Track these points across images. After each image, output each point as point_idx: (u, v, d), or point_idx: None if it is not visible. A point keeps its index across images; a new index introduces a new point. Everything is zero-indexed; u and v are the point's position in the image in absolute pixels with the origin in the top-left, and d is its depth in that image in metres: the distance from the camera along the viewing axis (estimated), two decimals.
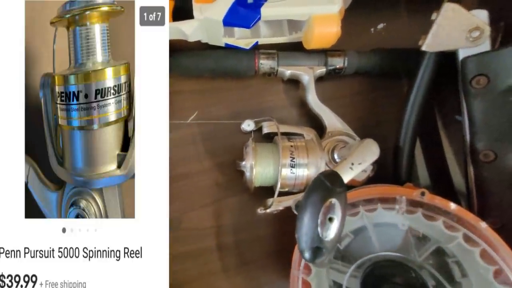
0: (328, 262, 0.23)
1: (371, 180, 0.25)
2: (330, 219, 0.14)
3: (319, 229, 0.13)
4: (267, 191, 0.26)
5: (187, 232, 0.29)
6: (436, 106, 0.28)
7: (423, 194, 0.19)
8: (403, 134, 0.25)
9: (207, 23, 0.24)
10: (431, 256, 0.20)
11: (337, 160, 0.25)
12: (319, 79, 0.28)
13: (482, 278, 0.18)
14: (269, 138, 0.28)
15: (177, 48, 0.27)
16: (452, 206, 0.19)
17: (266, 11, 0.23)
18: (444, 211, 0.19)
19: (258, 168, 0.25)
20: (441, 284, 0.20)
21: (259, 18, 0.24)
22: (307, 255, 0.14)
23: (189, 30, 0.24)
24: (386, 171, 0.26)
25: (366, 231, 0.22)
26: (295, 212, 0.20)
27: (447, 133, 0.27)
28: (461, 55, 0.22)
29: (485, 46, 0.21)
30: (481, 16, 0.21)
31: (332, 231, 0.14)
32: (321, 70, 0.28)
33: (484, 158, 0.22)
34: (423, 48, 0.23)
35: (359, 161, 0.20)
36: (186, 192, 0.29)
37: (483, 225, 0.18)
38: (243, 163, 0.25)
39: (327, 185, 0.14)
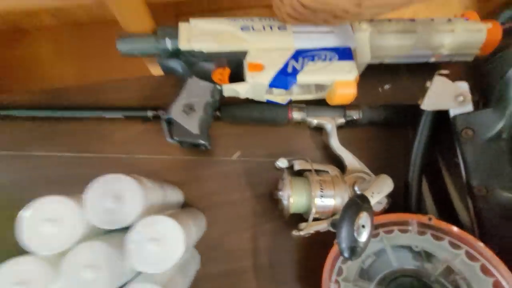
0: (353, 281, 0.27)
1: (386, 212, 0.30)
2: (363, 226, 0.19)
3: (355, 233, 0.19)
4: (297, 219, 0.31)
5: (228, 253, 0.33)
6: (438, 151, 0.35)
7: (430, 219, 0.25)
8: (411, 173, 0.31)
9: (256, 85, 0.32)
10: (442, 274, 0.24)
11: (358, 192, 0.31)
12: (339, 128, 0.36)
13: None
14: (299, 174, 0.34)
15: (229, 101, 0.35)
16: (455, 228, 0.24)
17: (301, 78, 0.31)
18: (448, 233, 0.24)
19: (294, 197, 0.30)
20: None
21: (295, 83, 0.32)
22: (346, 253, 0.19)
23: (242, 90, 0.33)
24: (398, 205, 0.31)
25: (385, 253, 0.27)
26: (332, 230, 0.25)
27: (449, 172, 0.33)
28: (452, 113, 0.29)
29: (469, 107, 0.28)
30: (463, 86, 0.28)
31: (364, 235, 0.19)
32: (341, 120, 0.35)
33: (478, 192, 0.27)
34: (422, 107, 0.30)
35: (378, 191, 0.25)
36: (228, 217, 0.34)
37: (481, 244, 0.23)
38: (281, 193, 0.31)
39: (359, 203, 0.20)
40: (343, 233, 0.19)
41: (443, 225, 0.24)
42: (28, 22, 0.75)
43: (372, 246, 0.27)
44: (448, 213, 0.30)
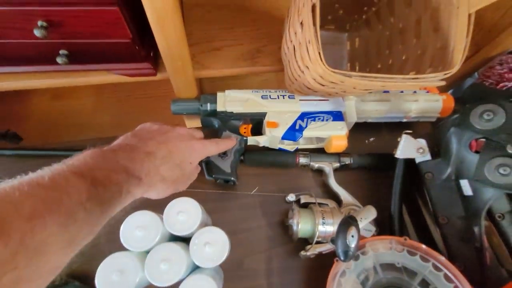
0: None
1: None
2: (353, 236, 0.28)
3: (347, 241, 0.27)
4: (304, 243, 0.39)
5: (247, 271, 0.40)
6: (415, 190, 0.44)
7: (405, 239, 0.33)
8: (393, 206, 0.40)
9: (272, 138, 0.43)
10: (419, 284, 0.32)
11: None
12: (335, 170, 0.46)
13: None
14: (305, 206, 0.43)
15: (250, 149, 0.45)
16: (423, 246, 0.32)
17: (306, 133, 0.43)
18: (419, 249, 0.32)
19: (302, 224, 0.39)
20: None
21: (302, 136, 0.43)
22: (342, 256, 0.27)
23: (261, 141, 0.44)
24: (385, 233, 0.39)
25: (376, 270, 0.34)
26: (331, 245, 0.34)
27: (424, 205, 0.42)
28: (417, 160, 0.39)
29: (428, 156, 0.38)
30: (422, 142, 0.39)
31: (354, 243, 0.27)
32: (336, 164, 0.45)
33: (442, 221, 0.36)
34: (396, 156, 0.40)
35: (365, 217, 0.34)
36: (247, 242, 0.42)
37: (443, 258, 0.31)
38: (291, 220, 0.40)
39: (350, 221, 0.29)
40: (339, 242, 0.27)
41: (415, 243, 0.32)
42: None
43: (364, 264, 0.34)
44: (427, 237, 0.38)
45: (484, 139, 0.32)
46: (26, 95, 0.87)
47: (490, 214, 0.37)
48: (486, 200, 0.32)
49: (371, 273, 0.34)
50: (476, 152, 0.32)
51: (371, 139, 0.51)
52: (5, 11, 0.31)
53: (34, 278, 0.16)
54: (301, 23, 0.28)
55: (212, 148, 0.35)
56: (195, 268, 0.28)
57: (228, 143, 0.40)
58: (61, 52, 0.36)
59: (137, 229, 0.27)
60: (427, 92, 0.50)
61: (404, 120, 0.49)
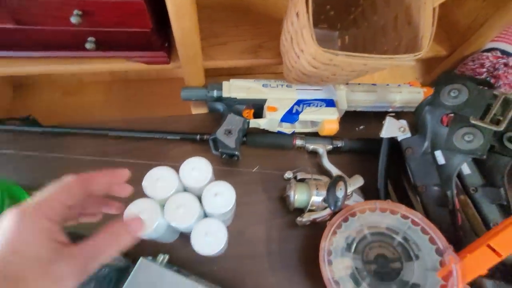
0: (340, 253, 0.38)
1: None
2: (341, 189, 0.32)
3: (336, 193, 0.32)
4: (299, 213, 0.44)
5: (248, 239, 0.44)
6: (401, 169, 0.49)
7: (388, 202, 0.38)
8: (379, 180, 0.45)
9: (271, 121, 0.49)
10: (400, 243, 0.36)
11: None
12: (328, 152, 0.51)
13: (425, 246, 0.34)
14: (301, 181, 0.48)
15: (251, 131, 0.50)
16: (403, 206, 0.37)
17: (302, 117, 0.48)
18: (400, 208, 0.37)
19: (298, 195, 0.43)
20: (409, 256, 0.35)
21: (298, 119, 0.48)
22: (332, 206, 0.32)
23: (262, 123, 0.49)
24: None
25: (363, 233, 0.38)
26: (325, 203, 0.38)
27: (406, 180, 0.46)
28: (399, 138, 0.44)
29: (408, 134, 0.44)
30: (403, 122, 0.45)
31: (341, 194, 0.32)
32: (329, 146, 0.51)
33: (421, 190, 0.41)
34: (381, 135, 0.46)
35: (353, 183, 0.39)
36: (249, 213, 0.46)
37: (420, 214, 0.36)
38: (288, 192, 0.44)
39: (338, 178, 0.34)
40: (330, 195, 0.32)
41: (397, 204, 0.37)
42: (88, 77, 0.96)
43: (353, 225, 0.39)
44: (409, 207, 0.42)
45: (452, 114, 0.37)
46: (39, 90, 0.92)
47: (465, 189, 0.42)
48: (456, 166, 0.37)
49: (359, 233, 0.38)
50: (447, 126, 0.38)
51: (361, 127, 0.56)
52: (46, 1, 0.36)
53: None
54: (297, 13, 0.34)
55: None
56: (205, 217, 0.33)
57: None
58: (89, 39, 0.42)
59: (157, 181, 0.31)
60: (410, 85, 0.56)
61: (390, 109, 0.55)
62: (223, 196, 0.32)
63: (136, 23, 0.40)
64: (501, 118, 0.35)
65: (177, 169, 0.34)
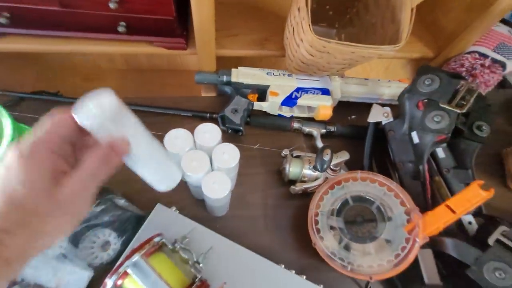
0: (326, 216, 0.44)
1: None
2: (327, 154, 0.39)
3: (323, 158, 0.38)
4: (293, 183, 0.50)
5: (248, 204, 0.51)
6: (386, 151, 0.55)
7: (369, 172, 0.44)
8: (365, 159, 0.51)
9: (273, 104, 0.55)
10: (377, 206, 0.43)
11: None
12: (321, 135, 0.57)
13: (397, 208, 0.41)
14: (296, 157, 0.54)
15: (255, 113, 0.57)
16: (380, 176, 0.43)
17: (300, 102, 0.55)
18: (377, 177, 0.43)
19: (292, 167, 0.50)
20: (383, 218, 0.41)
21: (296, 104, 0.55)
22: (319, 167, 0.38)
23: (265, 106, 0.56)
24: None
25: (347, 200, 0.45)
26: (313, 171, 0.45)
27: (388, 159, 0.53)
28: (383, 122, 0.51)
29: (391, 119, 0.50)
30: (387, 109, 0.51)
31: (327, 158, 0.38)
32: (323, 130, 0.57)
33: (399, 166, 0.47)
34: (368, 120, 0.52)
35: (340, 156, 0.45)
36: (249, 182, 0.52)
37: (395, 183, 0.42)
38: (284, 165, 0.51)
39: (326, 147, 0.40)
40: (318, 159, 0.38)
41: (375, 174, 0.44)
42: (106, 64, 1.03)
43: (338, 193, 0.45)
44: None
45: (426, 100, 0.44)
46: (61, 74, 0.99)
47: (440, 170, 0.49)
48: (427, 143, 0.43)
49: (343, 199, 0.45)
50: (422, 110, 0.44)
51: (353, 116, 0.63)
52: None
53: None
54: (298, 8, 0.41)
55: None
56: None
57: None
58: (121, 23, 0.49)
59: (176, 139, 0.38)
60: (399, 81, 0.63)
61: (379, 101, 0.61)
62: (229, 155, 0.38)
63: (162, 11, 0.48)
64: (464, 103, 0.42)
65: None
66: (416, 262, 0.40)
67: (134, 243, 0.38)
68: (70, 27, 0.49)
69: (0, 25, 0.46)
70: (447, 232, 0.41)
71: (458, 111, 0.41)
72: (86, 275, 0.36)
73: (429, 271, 0.41)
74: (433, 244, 0.42)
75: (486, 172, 0.59)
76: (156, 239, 0.33)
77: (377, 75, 0.88)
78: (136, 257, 0.30)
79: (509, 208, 0.54)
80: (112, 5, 0.44)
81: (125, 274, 0.29)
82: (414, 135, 0.45)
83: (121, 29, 0.49)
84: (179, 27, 0.52)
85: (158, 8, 0.47)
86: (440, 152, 0.49)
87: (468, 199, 0.36)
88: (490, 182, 0.58)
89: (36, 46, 0.51)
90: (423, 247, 0.40)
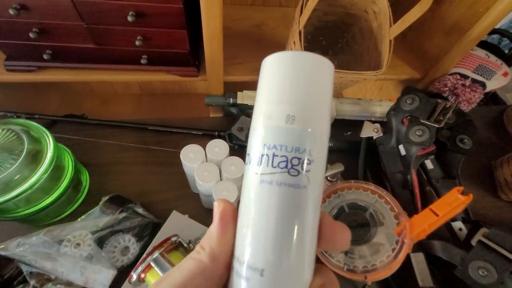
0: None
1: None
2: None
3: None
4: None
5: None
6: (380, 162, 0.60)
7: (362, 181, 0.49)
8: (360, 171, 0.56)
9: None
10: (371, 213, 0.47)
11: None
12: None
13: (387, 213, 0.45)
14: None
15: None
16: (372, 185, 0.48)
17: None
18: (369, 186, 0.48)
19: None
20: (376, 223, 0.46)
21: None
22: None
23: None
24: None
25: (343, 208, 0.49)
26: None
27: (381, 168, 0.58)
28: (374, 137, 0.56)
29: (381, 134, 0.56)
30: (377, 125, 0.57)
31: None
32: None
33: (390, 176, 0.52)
34: (360, 135, 0.58)
35: (335, 168, 0.50)
36: None
37: (385, 191, 0.47)
38: None
39: None
40: None
41: (368, 183, 0.48)
42: (122, 89, 1.13)
43: (335, 202, 0.50)
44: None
45: (409, 117, 0.50)
46: (82, 98, 1.09)
47: (429, 181, 0.54)
48: (412, 154, 0.48)
49: (340, 208, 0.49)
50: (406, 125, 0.50)
51: (348, 133, 0.69)
52: (121, 29, 0.52)
53: None
54: (294, 42, 0.48)
55: None
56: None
57: None
58: (143, 56, 0.57)
59: (190, 153, 0.44)
60: (390, 100, 0.70)
61: (372, 119, 0.67)
62: (236, 166, 0.44)
63: (179, 46, 0.56)
64: (441, 118, 0.47)
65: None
66: (410, 266, 0.44)
67: (152, 245, 0.43)
68: (100, 60, 0.58)
69: (43, 60, 0.55)
70: (441, 238, 0.45)
71: (437, 125, 0.47)
72: (111, 273, 0.41)
73: (422, 274, 0.45)
74: (424, 247, 0.45)
75: (477, 184, 0.63)
76: (173, 239, 0.38)
77: (372, 95, 0.95)
78: (156, 253, 0.35)
79: (498, 216, 0.58)
80: (137, 42, 0.52)
81: (148, 267, 0.34)
82: (401, 147, 0.50)
83: (143, 61, 0.57)
84: (192, 58, 0.60)
85: (175, 43, 0.55)
86: (429, 164, 0.53)
87: (449, 203, 0.40)
88: (481, 193, 0.62)
89: (69, 77, 0.60)
90: (415, 251, 0.44)
